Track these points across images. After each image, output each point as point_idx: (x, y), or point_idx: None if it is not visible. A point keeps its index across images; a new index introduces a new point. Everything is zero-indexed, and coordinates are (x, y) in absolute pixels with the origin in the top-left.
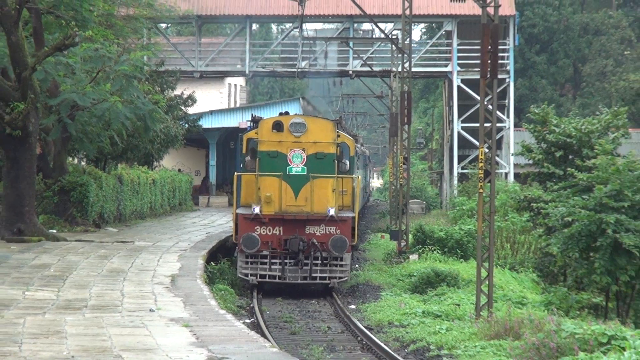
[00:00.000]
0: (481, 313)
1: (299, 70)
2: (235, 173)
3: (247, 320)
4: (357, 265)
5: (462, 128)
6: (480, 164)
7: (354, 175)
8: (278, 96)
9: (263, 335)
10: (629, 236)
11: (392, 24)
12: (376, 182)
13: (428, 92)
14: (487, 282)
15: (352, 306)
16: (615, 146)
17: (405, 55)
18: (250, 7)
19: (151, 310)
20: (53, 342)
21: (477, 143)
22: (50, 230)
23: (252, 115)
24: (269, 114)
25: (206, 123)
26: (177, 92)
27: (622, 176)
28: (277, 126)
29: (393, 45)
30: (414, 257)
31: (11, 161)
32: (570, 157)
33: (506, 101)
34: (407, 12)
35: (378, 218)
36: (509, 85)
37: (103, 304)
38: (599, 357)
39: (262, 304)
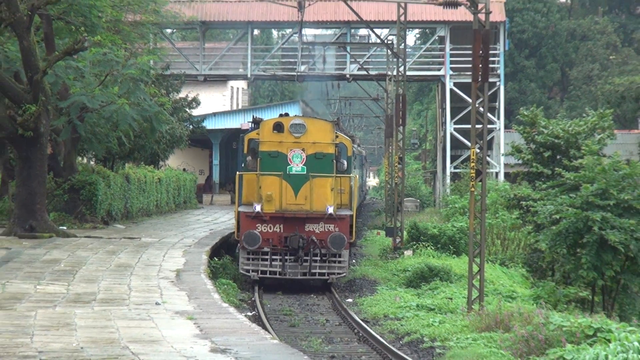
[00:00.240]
0: (473, 306)
1: (299, 73)
2: (237, 172)
3: (249, 313)
4: (354, 261)
5: (455, 129)
6: (472, 164)
7: (351, 175)
8: (278, 99)
9: (264, 327)
10: (614, 233)
11: (388, 30)
12: (372, 181)
13: (422, 95)
14: (478, 277)
15: (349, 300)
16: (601, 147)
17: (400, 60)
18: (251, 13)
19: (157, 304)
20: (63, 333)
21: (468, 144)
22: (61, 227)
23: (253, 116)
24: (270, 116)
25: (210, 124)
26: (182, 94)
27: (608, 175)
28: (278, 127)
29: (388, 50)
30: (408, 252)
31: (23, 161)
32: (558, 157)
33: (497, 104)
34: (402, 18)
35: (374, 215)
36: (499, 88)
37: (111, 297)
38: (585, 349)
39: (263, 298)
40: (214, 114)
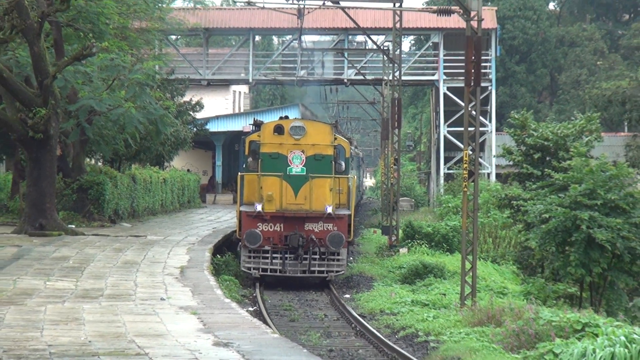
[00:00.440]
0: (465, 302)
1: (298, 78)
2: (239, 173)
3: (250, 308)
4: (351, 258)
5: (448, 132)
6: (465, 165)
7: (349, 175)
8: (279, 102)
9: (265, 322)
10: (602, 231)
11: (384, 36)
12: (369, 182)
13: (417, 99)
14: (471, 274)
15: (347, 296)
16: (588, 149)
17: (396, 65)
18: (253, 20)
19: (162, 299)
20: (72, 328)
21: (461, 146)
22: (70, 225)
23: (254, 119)
24: (271, 119)
25: (213, 127)
26: (186, 98)
27: (595, 176)
28: (278, 129)
29: (384, 56)
30: (403, 250)
31: (34, 162)
32: (548, 158)
33: (488, 107)
34: (398, 25)
35: (371, 214)
36: (491, 92)
37: (118, 293)
38: (573, 343)
39: (263, 294)
40: (217, 117)
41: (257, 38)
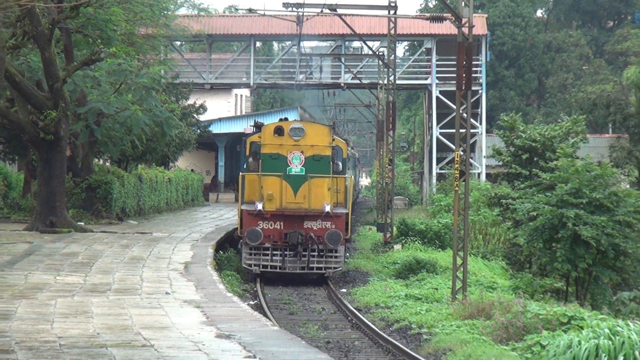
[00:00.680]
0: (457, 296)
1: (297, 82)
2: (240, 173)
3: (251, 302)
4: (348, 254)
5: (440, 133)
6: (456, 165)
7: (346, 175)
8: (279, 105)
9: (265, 315)
10: (587, 229)
11: (379, 42)
12: (364, 181)
13: (410, 102)
14: (462, 269)
15: (344, 290)
16: (574, 150)
17: (390, 70)
18: (254, 27)
19: (167, 293)
20: (81, 321)
21: (453, 147)
22: (79, 223)
23: (254, 121)
24: (271, 121)
25: (215, 129)
26: (190, 101)
27: (581, 176)
28: (279, 131)
29: (379, 61)
30: (397, 246)
31: (44, 162)
32: (535, 159)
33: (479, 110)
34: (392, 31)
35: (366, 212)
36: (481, 96)
37: (125, 287)
38: (560, 335)
39: (264, 289)
40: (220, 119)
41: (258, 44)
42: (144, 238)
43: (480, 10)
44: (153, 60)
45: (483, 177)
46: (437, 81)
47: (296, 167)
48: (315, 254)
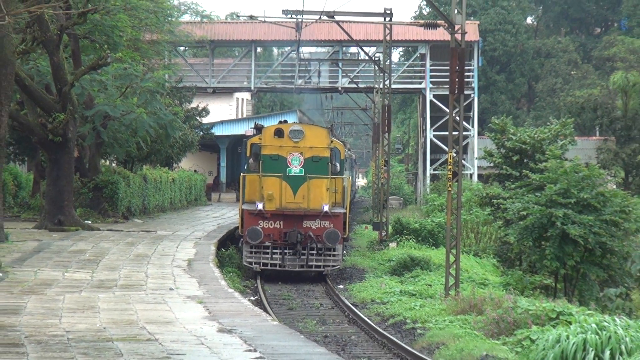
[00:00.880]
0: (449, 292)
1: (296, 86)
2: (241, 174)
3: (252, 298)
4: (345, 252)
5: (434, 136)
6: (449, 166)
7: (344, 176)
8: (278, 108)
9: (265, 310)
10: (575, 227)
11: (375, 48)
12: (361, 182)
13: (405, 106)
14: (454, 266)
15: (341, 286)
16: (563, 151)
17: (386, 74)
18: (255, 33)
19: (171, 289)
20: (88, 315)
21: (446, 148)
22: (86, 221)
23: (255, 123)
24: (271, 123)
25: (218, 131)
26: (193, 104)
27: (569, 177)
28: (279, 133)
29: (375, 66)
30: (393, 244)
31: (53, 163)
32: (525, 160)
33: (471, 113)
34: (388, 38)
35: (362, 212)
36: (473, 100)
37: (130, 283)
38: (549, 330)
39: (264, 285)
40: (222, 122)
41: (259, 49)
42: (148, 236)
43: (472, 18)
44: (158, 65)
45: (475, 177)
46: (430, 85)
47: (295, 168)
48: (314, 252)
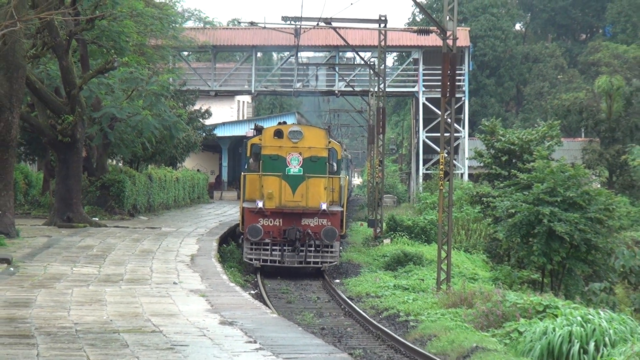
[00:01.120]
0: (441, 286)
1: (295, 89)
2: (242, 173)
3: (252, 292)
4: (341, 248)
5: (426, 137)
6: (441, 166)
7: (341, 176)
8: (278, 111)
9: (265, 303)
10: (561, 225)
11: (370, 53)
12: (356, 181)
13: (399, 108)
14: (446, 262)
15: (337, 280)
16: (550, 152)
17: (381, 78)
18: (255, 38)
19: (174, 283)
20: (95, 308)
21: (438, 149)
22: (94, 218)
23: (255, 124)
24: (270, 125)
25: (219, 132)
26: (196, 107)
27: (556, 176)
28: (278, 133)
29: (371, 70)
30: (387, 241)
31: (62, 162)
32: (514, 160)
33: (462, 115)
34: (382, 43)
35: (358, 209)
36: (464, 102)
37: (136, 278)
38: (536, 323)
39: (264, 280)
40: (223, 124)
41: (259, 54)
42: (153, 232)
43: (463, 24)
44: (162, 69)
45: (466, 177)
46: (423, 89)
47: (294, 167)
48: (312, 249)
